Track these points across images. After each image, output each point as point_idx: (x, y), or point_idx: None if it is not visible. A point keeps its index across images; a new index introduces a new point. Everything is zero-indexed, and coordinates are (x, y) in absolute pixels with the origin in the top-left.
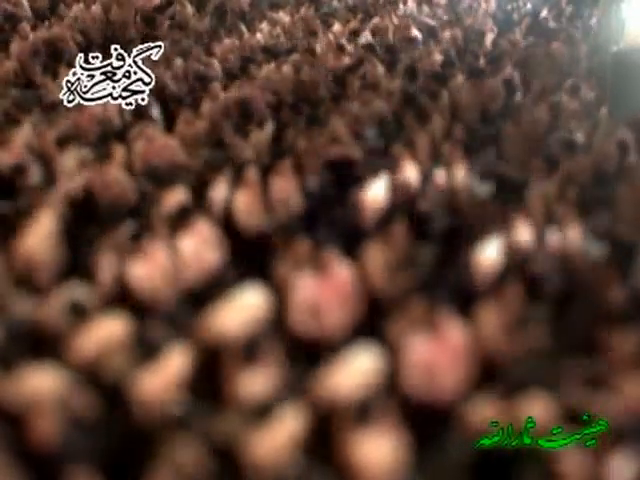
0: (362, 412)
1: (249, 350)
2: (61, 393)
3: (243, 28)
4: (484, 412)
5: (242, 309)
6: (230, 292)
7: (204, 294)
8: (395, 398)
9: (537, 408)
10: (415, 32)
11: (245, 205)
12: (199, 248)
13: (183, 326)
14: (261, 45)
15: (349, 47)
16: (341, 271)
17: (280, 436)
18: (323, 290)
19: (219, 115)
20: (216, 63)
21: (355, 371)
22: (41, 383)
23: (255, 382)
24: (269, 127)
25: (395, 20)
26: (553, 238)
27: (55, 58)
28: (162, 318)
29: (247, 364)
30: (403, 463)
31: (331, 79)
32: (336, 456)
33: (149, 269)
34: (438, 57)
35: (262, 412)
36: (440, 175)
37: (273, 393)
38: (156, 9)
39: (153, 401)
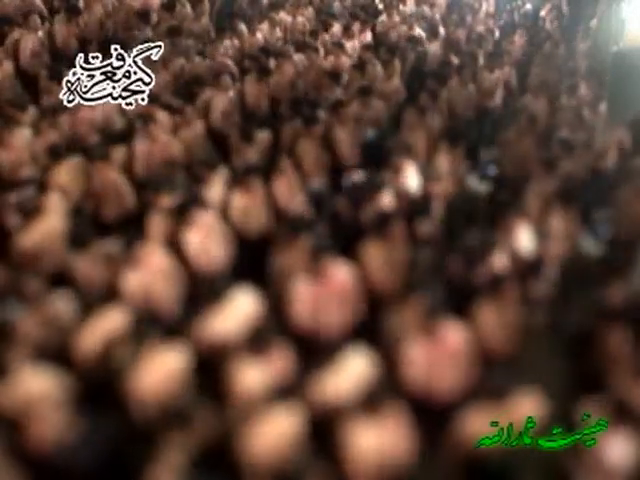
0: (360, 408)
1: (248, 348)
2: (59, 394)
3: (243, 28)
4: (480, 414)
5: (237, 309)
6: (228, 293)
7: (204, 294)
8: (394, 398)
9: (532, 408)
10: (415, 32)
11: (243, 206)
12: (199, 247)
13: (182, 325)
14: (261, 45)
15: (349, 47)
16: (339, 272)
17: (277, 433)
18: (321, 291)
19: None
20: (216, 63)
21: (352, 370)
22: (39, 384)
23: (253, 379)
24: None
25: (395, 20)
26: (551, 238)
27: (56, 58)
28: (161, 317)
29: (246, 362)
30: (400, 461)
31: (331, 79)
32: (334, 452)
33: (147, 271)
34: (438, 57)
35: (260, 409)
36: (439, 175)
37: (271, 390)
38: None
39: (152, 398)
